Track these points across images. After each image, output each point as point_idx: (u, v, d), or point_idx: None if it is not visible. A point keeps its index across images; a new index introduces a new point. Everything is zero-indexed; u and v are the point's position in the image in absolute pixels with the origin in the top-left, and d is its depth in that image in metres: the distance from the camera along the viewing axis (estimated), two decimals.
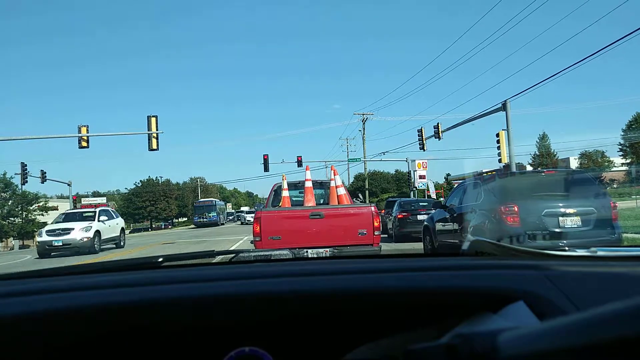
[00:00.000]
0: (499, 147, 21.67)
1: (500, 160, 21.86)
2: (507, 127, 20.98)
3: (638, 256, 1.01)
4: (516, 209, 6.51)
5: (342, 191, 8.27)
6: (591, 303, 0.77)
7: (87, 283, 0.95)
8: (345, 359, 0.93)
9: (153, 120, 22.54)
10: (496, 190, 7.22)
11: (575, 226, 6.36)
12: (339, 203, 8.02)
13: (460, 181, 11.47)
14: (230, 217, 62.80)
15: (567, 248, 1.11)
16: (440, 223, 8.82)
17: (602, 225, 6.44)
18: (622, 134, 49.90)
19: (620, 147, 49.61)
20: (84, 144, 22.45)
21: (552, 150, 53.47)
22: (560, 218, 6.39)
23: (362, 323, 0.94)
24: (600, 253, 1.04)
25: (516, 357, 0.54)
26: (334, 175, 8.41)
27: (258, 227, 6.85)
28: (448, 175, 38.13)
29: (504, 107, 21.14)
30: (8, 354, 0.87)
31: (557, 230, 6.34)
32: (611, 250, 1.08)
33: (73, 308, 0.87)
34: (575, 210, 6.42)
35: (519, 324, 0.75)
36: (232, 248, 13.46)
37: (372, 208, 7.13)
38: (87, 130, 22.67)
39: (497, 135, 21.59)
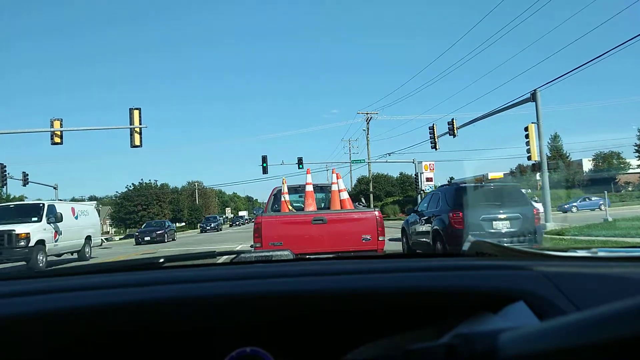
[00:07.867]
0: (527, 143, 19.06)
1: (529, 158, 19.26)
2: (537, 119, 18.46)
3: (638, 257, 1.02)
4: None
5: (344, 195, 8.16)
6: (591, 303, 0.78)
7: (88, 283, 0.97)
8: (345, 359, 0.92)
9: (136, 113, 19.98)
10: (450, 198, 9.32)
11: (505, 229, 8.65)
12: (341, 208, 7.90)
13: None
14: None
15: (567, 248, 1.13)
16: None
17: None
18: (638, 134, 47.55)
19: (636, 147, 47.12)
20: (57, 139, 19.88)
21: (565, 152, 51.18)
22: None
23: (362, 323, 0.95)
24: (600, 254, 1.06)
25: (516, 357, 0.55)
26: (337, 179, 8.25)
27: (259, 233, 6.77)
28: (452, 178, 35.73)
29: (533, 97, 18.64)
30: (8, 354, 0.89)
31: (491, 231, 8.52)
32: (611, 251, 1.10)
33: (74, 308, 0.89)
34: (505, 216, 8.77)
35: (519, 324, 0.75)
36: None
37: (376, 213, 7.13)
38: (61, 124, 20.03)
39: (526, 129, 19.03)
